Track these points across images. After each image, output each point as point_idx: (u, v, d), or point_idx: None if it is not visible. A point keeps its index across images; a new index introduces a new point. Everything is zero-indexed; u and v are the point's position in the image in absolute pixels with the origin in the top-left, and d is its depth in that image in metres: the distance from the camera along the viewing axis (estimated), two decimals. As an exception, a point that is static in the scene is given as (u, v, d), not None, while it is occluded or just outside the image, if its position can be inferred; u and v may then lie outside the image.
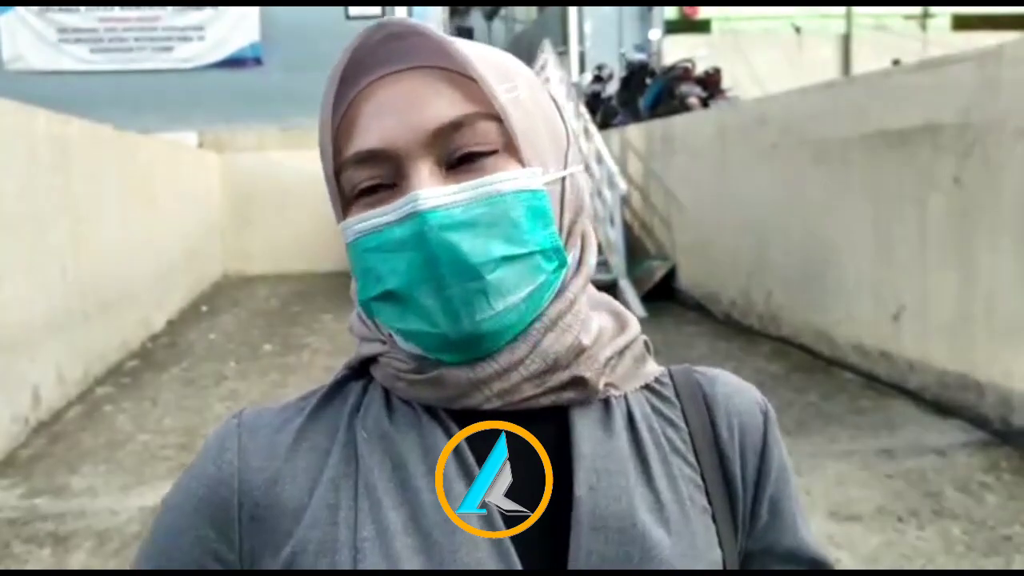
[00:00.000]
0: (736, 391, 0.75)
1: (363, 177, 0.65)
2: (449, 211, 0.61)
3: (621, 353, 0.71)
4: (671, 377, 0.75)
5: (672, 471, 0.68)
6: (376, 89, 0.65)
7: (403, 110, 0.63)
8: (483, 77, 0.63)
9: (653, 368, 0.74)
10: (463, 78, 0.64)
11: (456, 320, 0.62)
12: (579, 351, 0.67)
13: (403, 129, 0.63)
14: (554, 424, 0.67)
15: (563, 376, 0.66)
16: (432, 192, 0.61)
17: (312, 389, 0.74)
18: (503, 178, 0.63)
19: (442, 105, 0.63)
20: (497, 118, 0.64)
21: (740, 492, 0.71)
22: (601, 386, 0.68)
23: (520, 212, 0.63)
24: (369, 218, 0.64)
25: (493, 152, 0.64)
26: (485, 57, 0.66)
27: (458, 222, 0.61)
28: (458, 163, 0.64)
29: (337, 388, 0.72)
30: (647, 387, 0.73)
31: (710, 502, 0.69)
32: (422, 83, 0.65)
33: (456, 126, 0.63)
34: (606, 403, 0.69)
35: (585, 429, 0.67)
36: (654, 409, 0.72)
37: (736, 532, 0.70)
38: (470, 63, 0.64)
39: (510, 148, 0.64)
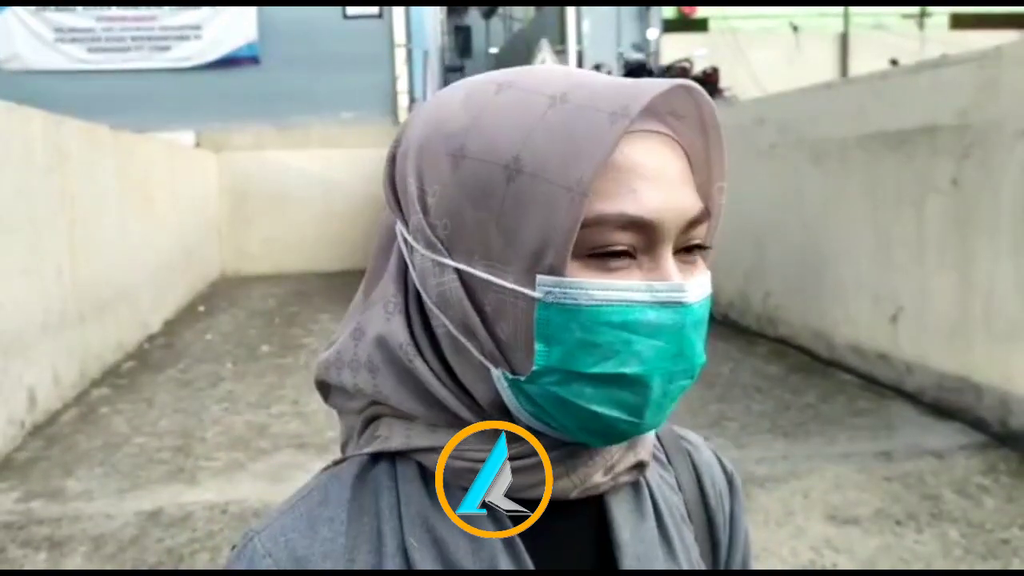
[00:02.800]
0: (712, 459, 0.77)
1: (621, 241, 0.57)
2: (700, 305, 0.59)
3: None
4: (659, 440, 0.75)
5: (685, 541, 0.70)
6: (641, 143, 0.58)
7: (672, 185, 0.59)
8: (724, 180, 0.63)
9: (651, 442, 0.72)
10: (688, 160, 0.62)
11: (657, 414, 0.59)
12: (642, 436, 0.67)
13: (670, 206, 0.58)
14: (591, 509, 0.66)
15: (628, 461, 0.65)
16: (693, 284, 0.59)
17: (321, 483, 0.66)
18: (709, 278, 0.63)
19: (692, 192, 0.61)
20: (708, 216, 0.63)
21: (723, 556, 0.74)
22: (646, 463, 0.68)
23: (709, 316, 0.63)
24: (622, 289, 0.57)
25: (703, 247, 0.63)
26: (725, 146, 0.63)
27: (701, 319, 0.60)
28: (683, 251, 0.61)
29: (361, 481, 0.65)
30: None
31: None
32: (678, 158, 0.61)
33: (700, 219, 0.61)
34: (634, 483, 0.68)
35: (620, 515, 0.66)
36: (661, 478, 0.72)
37: None
38: (722, 162, 0.63)
39: (708, 245, 0.64)
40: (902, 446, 4.44)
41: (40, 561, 3.48)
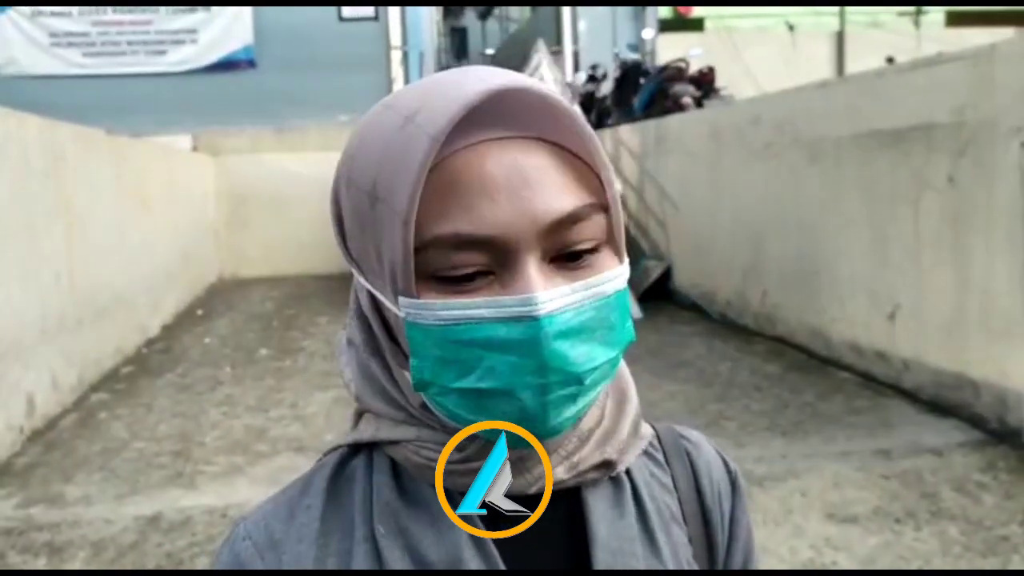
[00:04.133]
0: (714, 458, 0.77)
1: (459, 263, 0.57)
2: (563, 316, 0.57)
3: (633, 427, 0.70)
4: (659, 439, 0.75)
5: (673, 539, 0.69)
6: (479, 156, 0.57)
7: (515, 192, 0.57)
8: (605, 165, 0.60)
9: (647, 431, 0.72)
10: (570, 155, 0.60)
11: (545, 421, 0.58)
12: (609, 433, 0.67)
13: (515, 217, 0.56)
14: (568, 503, 0.66)
15: (594, 459, 0.66)
16: (548, 295, 0.57)
17: (307, 474, 0.70)
18: (608, 278, 0.60)
19: (556, 192, 0.58)
20: (605, 209, 0.61)
21: (720, 556, 0.74)
22: (622, 466, 0.68)
23: (616, 313, 0.61)
24: (465, 308, 0.57)
25: (596, 247, 0.60)
26: (593, 132, 0.60)
27: (569, 328, 0.57)
28: (564, 257, 0.59)
29: (340, 471, 0.68)
30: (644, 452, 0.73)
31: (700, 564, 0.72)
32: (533, 159, 0.58)
33: (573, 219, 0.58)
34: (614, 479, 0.68)
35: (598, 509, 0.66)
36: (651, 475, 0.72)
37: None
38: (594, 146, 0.59)
39: (609, 240, 0.62)
40: (900, 444, 4.45)
41: (40, 567, 3.47)
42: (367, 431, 0.67)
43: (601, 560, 0.64)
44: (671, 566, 0.67)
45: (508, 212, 0.56)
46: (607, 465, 0.66)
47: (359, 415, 0.70)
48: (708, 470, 0.75)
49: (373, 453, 0.67)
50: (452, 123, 0.55)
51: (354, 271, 0.65)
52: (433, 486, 0.63)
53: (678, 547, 0.69)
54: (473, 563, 0.61)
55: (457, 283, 0.57)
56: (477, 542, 0.62)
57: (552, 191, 0.58)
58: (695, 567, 0.70)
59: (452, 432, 0.62)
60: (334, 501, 0.66)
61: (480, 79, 0.57)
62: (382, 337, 0.64)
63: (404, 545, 0.62)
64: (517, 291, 0.56)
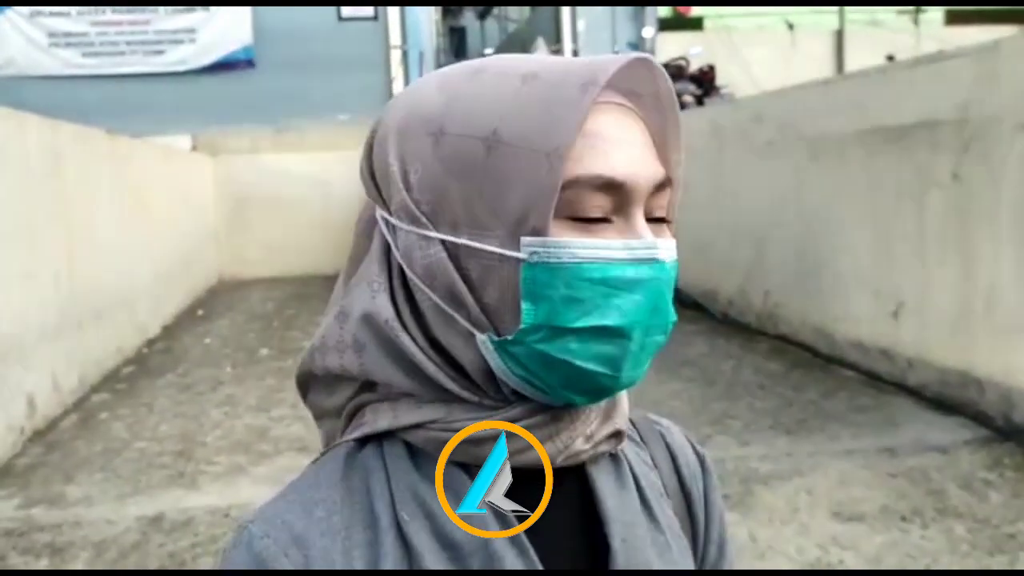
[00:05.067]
0: (684, 441, 0.81)
1: (597, 203, 0.61)
2: (671, 264, 0.63)
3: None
4: (632, 422, 0.79)
5: (667, 511, 0.73)
6: (614, 113, 0.63)
7: (641, 151, 0.63)
8: (679, 148, 0.67)
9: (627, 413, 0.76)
10: (649, 132, 0.66)
11: (635, 367, 0.63)
12: (613, 405, 0.70)
13: (641, 170, 0.62)
14: (574, 479, 0.68)
15: (606, 430, 0.68)
16: (664, 243, 0.63)
17: (312, 469, 0.68)
18: (674, 247, 0.66)
19: (656, 159, 0.65)
20: (670, 185, 0.67)
21: (700, 531, 0.77)
22: (626, 439, 0.71)
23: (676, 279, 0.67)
24: (601, 247, 0.60)
25: (667, 220, 0.67)
26: (680, 122, 0.67)
27: (671, 278, 0.63)
28: (649, 221, 0.64)
29: (351, 463, 0.67)
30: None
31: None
32: (642, 129, 0.65)
33: (664, 185, 0.65)
34: (613, 457, 0.71)
35: (605, 485, 0.69)
36: (636, 455, 0.76)
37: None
38: (678, 134, 0.66)
39: (670, 215, 0.68)
40: (906, 442, 4.43)
41: (41, 568, 3.46)
42: (383, 421, 0.66)
43: (616, 533, 0.67)
44: (669, 537, 0.70)
45: (634, 163, 0.62)
46: (617, 435, 0.69)
47: (352, 415, 0.69)
48: (683, 451, 0.79)
49: (384, 442, 0.67)
50: (608, 76, 0.60)
51: (414, 229, 0.64)
52: (458, 464, 0.64)
53: (670, 520, 0.73)
54: (500, 542, 0.63)
55: (588, 223, 0.61)
56: (502, 518, 0.64)
57: (653, 157, 0.64)
58: (684, 539, 0.73)
59: (492, 403, 0.64)
60: (350, 493, 0.66)
61: (595, 58, 0.63)
62: (445, 298, 0.63)
63: (431, 528, 0.63)
64: (635, 236, 0.61)
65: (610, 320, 0.60)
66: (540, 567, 0.63)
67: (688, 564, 0.72)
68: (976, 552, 3.27)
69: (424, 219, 0.63)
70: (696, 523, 0.77)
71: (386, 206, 0.67)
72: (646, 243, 0.61)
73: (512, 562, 0.62)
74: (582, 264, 0.60)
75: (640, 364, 0.63)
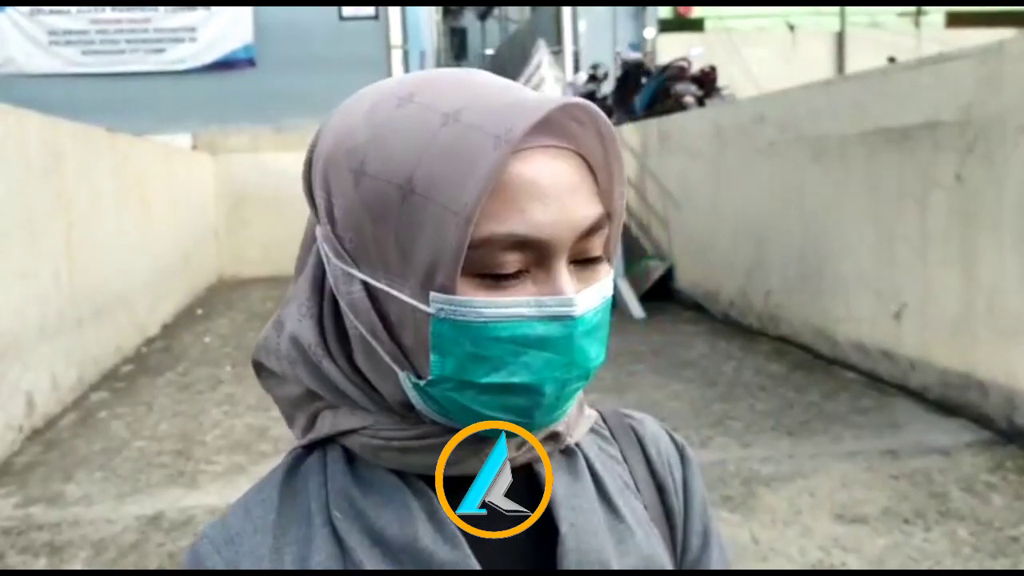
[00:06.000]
0: (660, 432, 0.81)
1: (509, 261, 0.59)
2: (588, 316, 0.62)
3: (579, 406, 0.74)
4: (604, 420, 0.80)
5: (630, 504, 0.73)
6: (527, 161, 0.59)
7: (561, 200, 0.60)
8: (623, 180, 0.65)
9: (592, 412, 0.77)
10: (589, 168, 0.64)
11: (553, 412, 0.63)
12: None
13: (559, 222, 0.60)
14: (523, 477, 0.69)
15: (541, 434, 0.68)
16: (581, 298, 0.61)
17: (264, 478, 0.71)
18: (610, 283, 0.65)
19: (586, 202, 0.62)
20: (607, 219, 0.65)
21: (679, 522, 0.77)
22: (571, 439, 0.71)
23: (608, 316, 0.65)
24: (508, 306, 0.59)
25: (601, 256, 0.65)
26: (620, 149, 0.65)
27: (590, 328, 0.62)
28: (579, 262, 0.63)
29: (294, 468, 0.70)
30: (591, 430, 0.77)
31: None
32: (574, 170, 0.62)
33: (596, 227, 0.63)
34: (566, 451, 0.72)
35: (555, 475, 0.70)
36: (600, 449, 0.76)
37: (673, 558, 0.77)
38: (620, 164, 0.64)
39: (607, 248, 0.66)
40: (908, 444, 4.42)
41: (40, 567, 3.44)
42: (324, 427, 0.69)
43: (564, 517, 0.67)
44: (633, 527, 0.71)
45: (554, 217, 0.59)
46: (554, 437, 0.69)
47: (313, 418, 0.71)
48: (655, 442, 0.79)
49: (327, 448, 0.69)
50: (523, 131, 0.57)
51: (339, 263, 0.63)
52: (389, 469, 0.66)
53: (636, 512, 0.73)
54: (428, 536, 0.63)
55: (498, 281, 0.60)
56: (432, 516, 0.65)
57: (585, 199, 0.62)
58: (655, 531, 0.73)
59: (414, 420, 0.65)
60: (290, 494, 0.68)
61: (527, 96, 0.60)
62: (368, 334, 0.63)
63: (361, 526, 0.65)
64: (552, 291, 0.60)
65: (518, 378, 0.60)
66: (474, 564, 0.63)
67: (661, 553, 0.72)
68: (978, 555, 3.26)
69: (347, 256, 0.63)
70: (673, 514, 0.77)
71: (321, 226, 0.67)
72: (560, 300, 0.60)
73: (444, 557, 0.63)
74: (488, 323, 0.59)
75: (556, 409, 0.63)
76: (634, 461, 0.77)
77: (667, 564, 0.72)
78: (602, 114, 0.62)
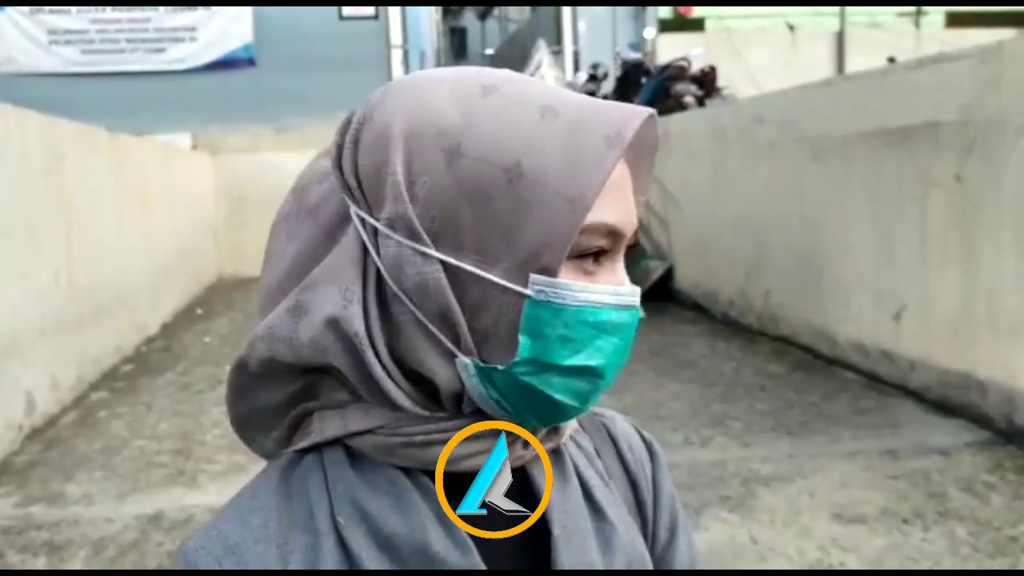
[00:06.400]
0: (630, 430, 0.83)
1: (601, 245, 0.65)
2: (638, 310, 0.68)
3: None
4: None
5: (611, 499, 0.75)
6: (619, 164, 0.66)
7: (629, 199, 0.67)
8: (645, 194, 0.71)
9: None
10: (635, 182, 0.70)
11: (595, 400, 0.67)
12: None
13: (629, 218, 0.66)
14: (516, 478, 0.69)
15: (544, 428, 0.70)
16: (634, 289, 0.67)
17: (251, 483, 0.69)
18: None
19: (634, 206, 0.69)
20: None
21: (649, 515, 0.80)
22: (565, 435, 0.73)
23: None
24: (598, 292, 0.64)
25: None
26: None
27: (639, 319, 0.68)
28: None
29: (288, 473, 0.68)
30: None
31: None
32: (630, 177, 0.68)
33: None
34: (555, 451, 0.73)
35: (544, 478, 0.70)
36: (578, 446, 0.77)
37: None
38: (650, 182, 0.72)
39: None
40: (907, 444, 4.42)
41: (39, 566, 3.44)
42: (332, 429, 0.67)
43: (557, 520, 0.68)
44: (615, 523, 0.72)
45: (628, 211, 0.66)
46: (555, 431, 0.71)
47: (297, 424, 0.69)
48: (627, 438, 0.81)
49: (324, 450, 0.67)
50: (632, 134, 0.62)
51: (411, 243, 0.61)
52: (398, 467, 0.66)
53: (615, 505, 0.75)
54: (439, 541, 0.63)
55: (583, 264, 0.64)
56: (442, 518, 0.65)
57: (633, 203, 0.68)
58: (632, 524, 0.75)
59: (435, 418, 0.65)
60: (287, 501, 0.66)
61: (605, 103, 0.65)
62: (433, 318, 0.62)
63: (368, 530, 0.64)
64: (617, 282, 0.66)
65: (594, 361, 0.64)
66: (483, 567, 0.64)
67: (639, 546, 0.74)
68: (977, 555, 3.26)
69: (426, 236, 0.61)
70: (644, 507, 0.79)
71: (367, 208, 0.63)
72: (630, 290, 0.66)
73: (455, 561, 0.63)
74: (582, 307, 0.63)
75: (599, 396, 0.67)
76: (607, 457, 0.79)
77: (648, 559, 0.74)
78: (658, 129, 0.69)
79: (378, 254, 0.63)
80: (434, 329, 0.62)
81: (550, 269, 0.61)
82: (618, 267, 0.66)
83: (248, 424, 0.72)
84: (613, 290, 0.64)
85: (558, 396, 0.64)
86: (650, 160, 0.71)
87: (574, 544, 0.68)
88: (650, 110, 0.65)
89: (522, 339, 0.62)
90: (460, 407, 0.65)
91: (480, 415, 0.65)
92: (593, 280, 0.64)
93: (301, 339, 0.64)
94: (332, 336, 0.64)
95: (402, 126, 0.62)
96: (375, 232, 0.63)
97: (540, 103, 0.63)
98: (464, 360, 0.63)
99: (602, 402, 0.73)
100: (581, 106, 0.63)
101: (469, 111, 0.62)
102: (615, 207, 0.64)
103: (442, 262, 0.61)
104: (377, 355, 0.63)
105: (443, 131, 0.62)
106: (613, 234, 0.64)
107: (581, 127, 0.62)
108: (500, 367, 0.62)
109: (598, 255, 0.64)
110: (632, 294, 0.66)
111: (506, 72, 0.67)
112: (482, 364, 0.62)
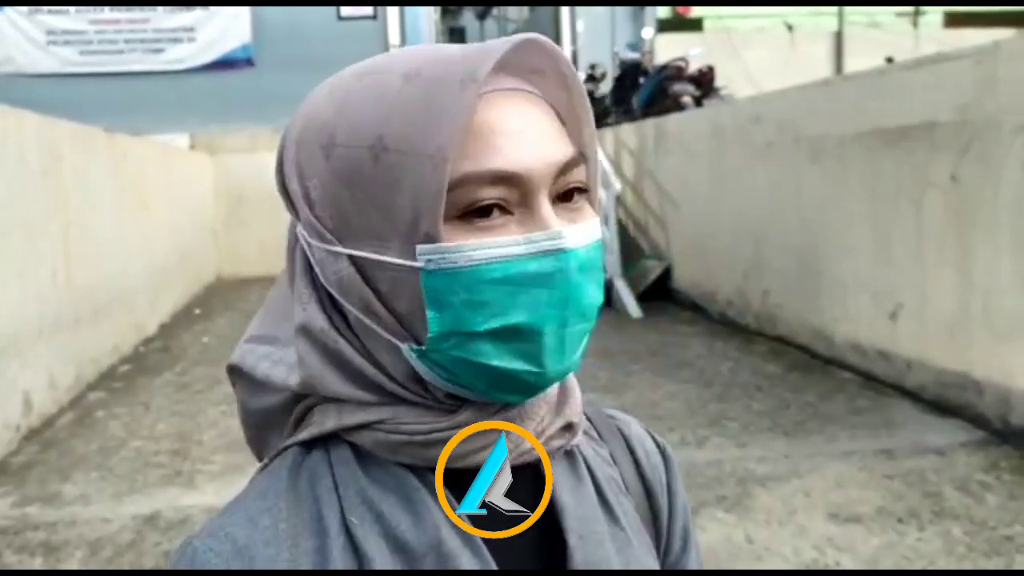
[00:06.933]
0: (644, 434, 0.80)
1: (489, 196, 0.59)
2: (580, 251, 0.61)
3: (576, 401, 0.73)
4: (591, 421, 0.78)
5: (624, 508, 0.72)
6: (501, 103, 0.61)
7: (535, 138, 0.61)
8: (589, 122, 0.65)
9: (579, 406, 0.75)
10: (556, 114, 0.65)
11: (560, 359, 0.61)
12: (565, 396, 0.69)
13: (535, 158, 0.60)
14: (530, 477, 0.67)
15: (558, 424, 0.67)
16: (570, 231, 0.60)
17: (257, 480, 0.68)
18: (597, 223, 0.64)
19: (558, 142, 0.62)
20: (584, 160, 0.65)
21: (664, 524, 0.77)
22: (579, 435, 0.70)
23: (600, 259, 0.64)
24: (498, 246, 0.59)
25: (584, 190, 0.65)
26: (584, 91, 0.66)
27: (583, 263, 0.61)
28: (562, 199, 0.63)
29: (296, 470, 0.66)
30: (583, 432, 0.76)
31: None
32: (542, 113, 0.63)
33: (573, 164, 0.63)
34: (568, 453, 0.71)
35: (560, 481, 0.68)
36: (595, 452, 0.75)
37: (657, 559, 0.77)
38: (584, 107, 0.65)
39: (588, 190, 0.66)
40: (903, 444, 4.43)
41: (36, 566, 3.44)
42: (328, 422, 0.65)
43: (573, 528, 0.66)
44: (629, 532, 0.70)
45: (530, 154, 0.60)
46: (569, 428, 0.68)
47: (300, 417, 0.68)
48: (641, 444, 0.79)
49: (329, 446, 0.66)
50: (488, 70, 0.57)
51: (321, 245, 0.63)
52: (403, 464, 0.64)
53: (629, 515, 0.72)
54: (453, 543, 0.62)
55: (485, 220, 0.59)
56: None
57: (556, 140, 0.62)
58: (645, 534, 0.73)
59: (438, 404, 0.63)
60: (297, 500, 0.65)
61: (484, 44, 0.61)
62: (362, 311, 0.62)
63: (381, 532, 0.62)
64: (538, 227, 0.59)
65: (517, 319, 0.59)
66: (495, 567, 0.62)
67: (651, 561, 0.71)
68: (973, 554, 3.27)
69: (329, 235, 0.62)
70: (659, 515, 0.77)
71: (297, 219, 0.66)
72: (549, 234, 0.59)
73: (467, 562, 0.62)
74: (479, 266, 0.58)
75: (565, 355, 0.61)
76: (624, 463, 0.76)
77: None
78: (563, 53, 0.63)
79: (314, 261, 0.65)
80: (368, 321, 0.62)
81: (431, 236, 0.58)
82: (537, 211, 0.60)
83: (264, 425, 0.71)
84: (524, 238, 0.59)
85: (497, 363, 0.60)
86: (575, 87, 0.64)
87: (590, 553, 0.66)
88: (523, 36, 0.60)
89: (429, 313, 0.59)
90: (432, 393, 0.64)
91: (456, 398, 0.64)
92: (497, 234, 0.59)
93: (286, 361, 0.67)
94: (306, 342, 0.65)
95: (293, 135, 0.65)
96: (307, 241, 0.65)
97: (406, 70, 0.60)
98: (403, 347, 0.61)
99: (602, 402, 0.72)
100: (450, 57, 0.60)
101: (341, 100, 0.62)
102: (507, 151, 0.59)
103: (349, 256, 0.61)
104: (350, 342, 0.64)
105: (319, 128, 0.62)
106: (506, 179, 0.59)
107: (440, 80, 0.58)
108: (424, 347, 0.60)
109: (501, 207, 0.59)
110: (552, 238, 0.59)
111: (396, 51, 0.65)
112: (416, 347, 0.61)
